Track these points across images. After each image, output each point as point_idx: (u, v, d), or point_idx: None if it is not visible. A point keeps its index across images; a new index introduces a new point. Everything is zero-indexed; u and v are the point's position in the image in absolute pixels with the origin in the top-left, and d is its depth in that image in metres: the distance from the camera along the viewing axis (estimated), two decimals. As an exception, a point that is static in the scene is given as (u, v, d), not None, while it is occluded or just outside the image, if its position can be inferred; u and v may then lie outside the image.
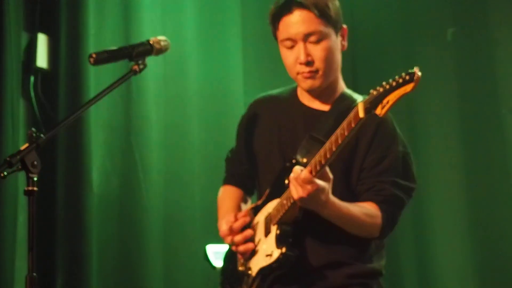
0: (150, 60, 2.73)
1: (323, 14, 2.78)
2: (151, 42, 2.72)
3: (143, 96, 4.57)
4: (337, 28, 2.84)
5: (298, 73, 2.83)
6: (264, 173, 2.96)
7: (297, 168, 2.57)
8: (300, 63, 2.79)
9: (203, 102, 4.81)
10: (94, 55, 2.62)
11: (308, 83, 2.83)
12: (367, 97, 2.48)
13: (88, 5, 4.36)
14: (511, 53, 4.90)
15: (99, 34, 4.44)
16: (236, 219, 2.88)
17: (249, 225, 2.91)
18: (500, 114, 4.88)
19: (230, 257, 3.01)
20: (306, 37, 2.78)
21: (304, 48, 2.78)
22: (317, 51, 2.78)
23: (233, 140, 3.17)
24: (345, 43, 2.90)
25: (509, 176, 4.81)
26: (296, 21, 2.78)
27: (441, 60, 5.03)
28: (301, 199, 2.57)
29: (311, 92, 2.89)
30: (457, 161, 4.92)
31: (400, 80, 2.39)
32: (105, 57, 2.64)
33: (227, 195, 3.12)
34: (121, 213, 4.46)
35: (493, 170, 4.84)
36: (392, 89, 2.40)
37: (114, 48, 2.68)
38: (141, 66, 2.68)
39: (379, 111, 2.41)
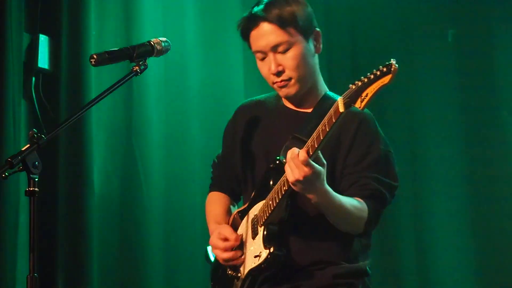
0: (151, 61, 2.74)
1: (289, 24, 2.82)
2: (152, 43, 2.73)
3: (144, 97, 4.58)
4: (307, 34, 2.87)
5: (273, 83, 2.88)
6: (250, 177, 2.98)
7: (294, 149, 2.57)
8: (272, 74, 2.84)
9: (204, 103, 4.81)
10: (95, 56, 2.62)
11: (283, 92, 2.88)
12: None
13: (89, 6, 4.36)
14: (511, 55, 4.91)
15: (100, 35, 4.45)
16: (228, 237, 2.89)
17: (235, 229, 2.94)
18: (501, 115, 4.89)
19: (218, 262, 3.03)
20: (274, 48, 2.83)
21: (274, 59, 2.83)
22: (286, 60, 2.83)
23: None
24: (320, 46, 2.93)
25: (509, 177, 4.83)
26: (263, 34, 2.84)
27: (442, 61, 5.05)
28: (296, 181, 2.55)
29: (290, 98, 2.93)
30: (457, 162, 4.93)
31: (378, 73, 2.42)
32: (106, 58, 2.64)
33: (214, 201, 3.14)
34: (122, 213, 4.47)
35: (493, 171, 4.85)
36: (370, 82, 2.42)
37: (115, 49, 2.69)
38: (142, 67, 2.69)
39: (359, 104, 2.44)
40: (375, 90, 2.42)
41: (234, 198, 3.16)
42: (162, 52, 2.75)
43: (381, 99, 4.96)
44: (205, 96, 4.83)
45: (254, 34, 2.87)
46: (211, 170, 3.22)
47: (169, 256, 4.55)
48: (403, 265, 4.96)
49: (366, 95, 2.43)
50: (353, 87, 2.46)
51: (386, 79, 2.40)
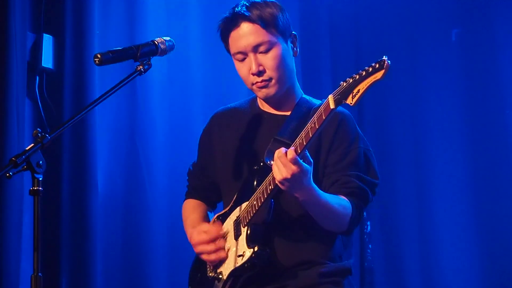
0: (154, 60, 2.74)
1: (270, 25, 2.85)
2: (156, 42, 2.73)
3: (148, 96, 4.58)
4: (286, 36, 2.90)
5: (252, 84, 2.89)
6: (229, 183, 2.99)
7: (281, 149, 2.57)
8: (253, 74, 2.86)
9: (208, 103, 4.81)
10: (99, 56, 2.62)
11: (263, 92, 2.90)
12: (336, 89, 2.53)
13: (93, 5, 4.36)
14: (515, 54, 4.91)
15: (104, 35, 4.45)
16: (208, 230, 2.91)
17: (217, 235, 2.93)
18: (504, 114, 4.88)
19: (197, 265, 3.03)
20: (255, 49, 2.85)
21: (254, 59, 2.86)
22: (267, 60, 2.85)
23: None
24: (297, 50, 2.97)
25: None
26: (244, 34, 2.86)
27: (446, 61, 5.04)
28: (284, 180, 2.56)
29: (269, 100, 2.94)
30: (461, 161, 4.93)
31: (370, 69, 2.44)
32: (110, 58, 2.65)
33: (190, 207, 3.15)
34: (126, 213, 4.47)
35: (497, 169, 4.85)
36: (362, 79, 2.45)
37: (119, 48, 2.69)
38: (146, 66, 2.69)
39: (350, 100, 2.46)
40: (367, 85, 2.44)
41: (210, 206, 3.17)
42: (166, 51, 2.76)
43: (384, 98, 4.99)
44: (208, 96, 4.83)
45: (234, 35, 2.90)
46: (187, 178, 3.23)
47: (173, 255, 4.55)
48: (407, 266, 4.95)
49: (358, 91, 2.45)
50: (344, 84, 2.48)
51: (379, 75, 2.42)
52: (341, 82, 2.50)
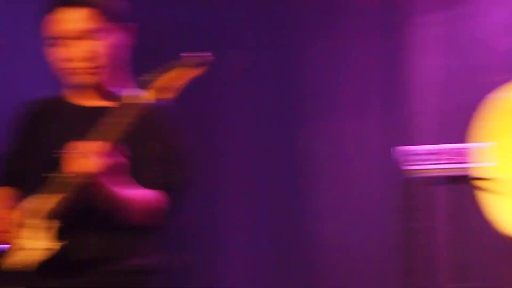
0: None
1: (100, 10, 2.68)
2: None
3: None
4: (117, 25, 2.73)
5: (66, 70, 2.71)
6: (34, 174, 2.77)
7: (83, 142, 2.46)
8: (68, 60, 2.69)
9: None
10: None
11: (76, 80, 2.72)
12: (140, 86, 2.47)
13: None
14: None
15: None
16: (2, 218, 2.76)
17: (15, 225, 2.74)
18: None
19: None
20: (74, 34, 2.67)
21: (71, 44, 2.68)
22: (86, 47, 2.67)
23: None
24: (130, 42, 2.79)
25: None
26: (66, 18, 2.68)
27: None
28: (84, 173, 2.44)
29: (85, 90, 2.78)
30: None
31: (183, 62, 2.42)
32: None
33: None
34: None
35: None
36: (163, 72, 2.42)
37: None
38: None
39: (149, 95, 2.44)
40: (181, 79, 2.42)
41: (18, 194, 2.88)
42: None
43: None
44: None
45: (53, 17, 2.71)
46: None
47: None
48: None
49: (158, 85, 2.43)
50: (146, 78, 2.44)
51: (194, 71, 2.42)
52: (145, 74, 2.45)
